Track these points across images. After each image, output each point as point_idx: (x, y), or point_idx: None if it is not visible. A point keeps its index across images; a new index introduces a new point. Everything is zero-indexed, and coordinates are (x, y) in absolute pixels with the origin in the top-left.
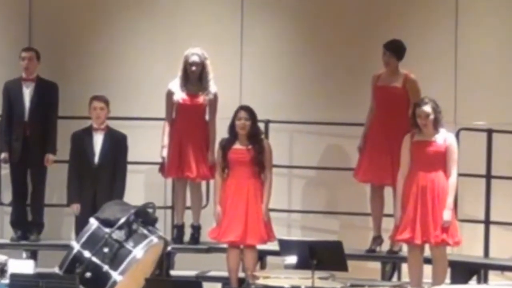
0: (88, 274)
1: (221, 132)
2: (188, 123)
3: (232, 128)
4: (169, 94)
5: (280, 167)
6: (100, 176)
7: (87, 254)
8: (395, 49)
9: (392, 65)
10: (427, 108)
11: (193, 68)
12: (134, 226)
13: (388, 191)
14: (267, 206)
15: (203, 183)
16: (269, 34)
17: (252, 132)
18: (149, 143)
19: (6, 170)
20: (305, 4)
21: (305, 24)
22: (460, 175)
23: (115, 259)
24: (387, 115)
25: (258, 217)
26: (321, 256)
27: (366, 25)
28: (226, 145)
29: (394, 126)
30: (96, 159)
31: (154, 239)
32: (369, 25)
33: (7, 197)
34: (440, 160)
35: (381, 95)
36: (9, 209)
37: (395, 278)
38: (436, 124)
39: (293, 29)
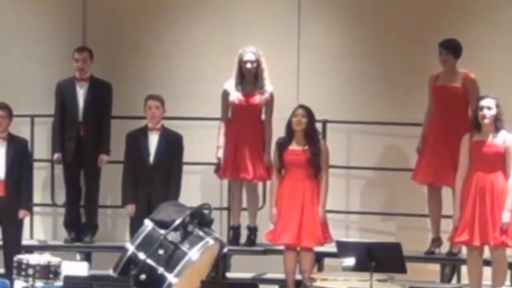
0: (143, 276)
1: (278, 132)
2: (244, 123)
3: (288, 126)
4: (225, 94)
5: (337, 167)
6: (155, 177)
7: (142, 256)
8: (452, 48)
9: (449, 63)
10: (491, 101)
11: (248, 65)
12: (190, 228)
13: (445, 192)
14: (324, 207)
15: (260, 184)
16: (326, 33)
17: (308, 131)
18: (205, 144)
19: (59, 170)
20: (363, 2)
21: (363, 22)
22: None
23: (170, 261)
24: (446, 115)
25: (314, 219)
26: (379, 258)
27: (425, 24)
28: (282, 146)
29: (454, 126)
30: (151, 159)
31: (210, 240)
32: (428, 24)
33: (61, 198)
34: (499, 161)
35: (440, 95)
36: (62, 210)
37: (454, 281)
38: (497, 123)
39: (350, 27)
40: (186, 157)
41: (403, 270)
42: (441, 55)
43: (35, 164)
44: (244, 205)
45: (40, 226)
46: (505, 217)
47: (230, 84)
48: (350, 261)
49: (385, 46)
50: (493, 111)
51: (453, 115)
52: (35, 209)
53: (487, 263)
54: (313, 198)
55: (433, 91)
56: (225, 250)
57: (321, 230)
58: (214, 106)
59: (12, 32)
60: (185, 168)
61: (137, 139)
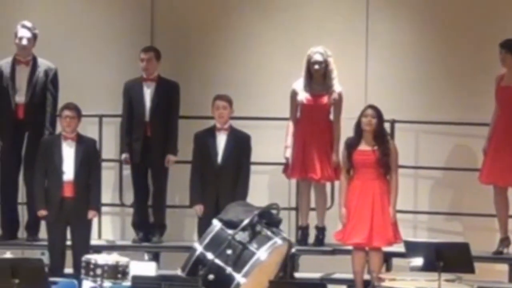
0: (211, 276)
1: (346, 132)
2: (312, 123)
3: (358, 126)
4: (293, 94)
5: (406, 167)
6: (223, 176)
7: (210, 256)
8: (509, 47)
9: (506, 62)
10: None
11: (316, 66)
12: (258, 228)
13: None
14: (394, 207)
15: (328, 184)
16: (394, 32)
17: (378, 131)
18: (273, 143)
19: (127, 171)
20: (431, 1)
21: (431, 22)
22: None
23: (239, 261)
24: (509, 116)
25: (384, 219)
26: (447, 258)
27: (494, 24)
28: (351, 146)
29: None
30: (219, 159)
31: (278, 240)
32: (497, 24)
33: (129, 198)
34: None
35: (504, 95)
36: (130, 211)
37: None
38: None
39: (419, 27)
40: (254, 157)
41: (471, 270)
42: (500, 54)
43: (103, 164)
44: (312, 205)
45: (108, 226)
46: None
47: (298, 84)
48: (418, 261)
49: (454, 46)
50: None
51: None
52: (104, 209)
53: None
54: (383, 198)
55: (497, 92)
56: (293, 250)
57: (392, 230)
58: (283, 106)
59: (80, 33)
60: (253, 168)
61: (205, 139)
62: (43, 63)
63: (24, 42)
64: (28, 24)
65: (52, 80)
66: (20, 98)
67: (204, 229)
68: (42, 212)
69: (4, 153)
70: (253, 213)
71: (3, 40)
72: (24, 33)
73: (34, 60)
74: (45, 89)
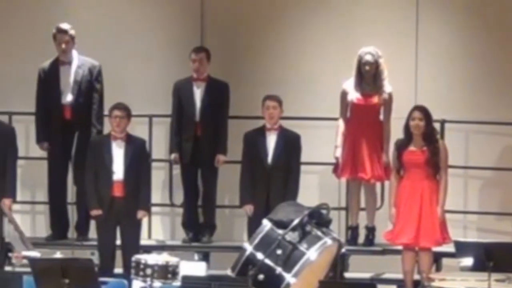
0: (261, 277)
1: (396, 132)
2: (363, 123)
3: (406, 128)
4: (344, 94)
5: (455, 167)
6: (273, 176)
7: (260, 256)
8: None
9: None
10: None
11: (367, 67)
12: (308, 228)
13: None
14: (443, 207)
15: (378, 184)
16: (444, 32)
17: (427, 132)
18: (323, 143)
19: (177, 170)
20: (481, 0)
21: (481, 21)
22: None
23: (289, 261)
24: None
25: (433, 219)
26: (497, 258)
27: None
28: (401, 147)
29: None
30: (269, 159)
31: (328, 240)
32: None
33: (179, 198)
34: None
35: None
36: (180, 210)
37: None
38: None
39: (468, 26)
40: (304, 157)
41: None
42: None
43: (153, 164)
44: (362, 205)
45: (158, 226)
46: None
47: (349, 84)
48: (468, 261)
49: (504, 45)
50: None
51: None
52: (153, 209)
53: None
54: (431, 198)
55: None
56: (343, 250)
57: (440, 230)
58: (333, 106)
59: (130, 33)
60: (303, 168)
61: (255, 139)
62: (87, 61)
63: (63, 46)
64: (64, 26)
65: (96, 77)
66: (66, 98)
67: (254, 229)
68: (96, 212)
69: (53, 154)
70: (303, 213)
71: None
72: (61, 37)
73: (77, 59)
74: (90, 87)
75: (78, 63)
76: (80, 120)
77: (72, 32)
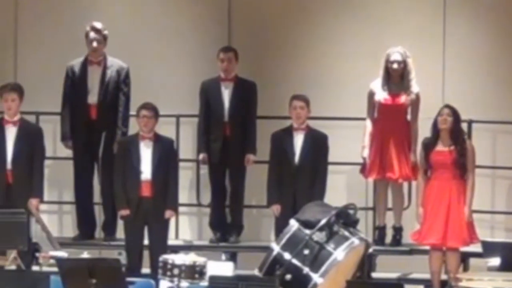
0: (288, 277)
1: (424, 132)
2: (390, 123)
3: (434, 126)
4: (371, 94)
5: (483, 167)
6: (300, 176)
7: (287, 256)
8: None
9: None
10: None
11: (395, 66)
12: (335, 228)
13: None
14: (470, 207)
15: (405, 184)
16: (471, 32)
17: (454, 130)
18: (350, 143)
19: (204, 170)
20: (508, 1)
21: (508, 22)
22: None
23: (316, 261)
24: None
25: (460, 219)
26: None
27: None
28: (428, 146)
29: None
30: (297, 159)
31: (355, 240)
32: None
33: (206, 198)
34: None
35: None
36: (208, 210)
37: None
38: None
39: (496, 27)
40: (331, 157)
41: None
42: None
43: (181, 164)
44: (390, 205)
45: (185, 226)
46: None
47: (376, 84)
48: (495, 261)
49: None
50: None
51: None
52: (181, 209)
53: None
54: (459, 198)
55: None
56: (370, 250)
57: (467, 230)
58: (360, 106)
59: (157, 33)
60: (330, 168)
61: (282, 139)
62: (115, 63)
63: (95, 44)
64: (98, 25)
65: (124, 79)
66: (92, 98)
67: (281, 229)
68: (124, 212)
69: (78, 153)
70: (331, 213)
71: (76, 40)
72: (94, 35)
73: (106, 60)
74: (117, 89)
75: (107, 64)
76: (106, 120)
77: (105, 32)
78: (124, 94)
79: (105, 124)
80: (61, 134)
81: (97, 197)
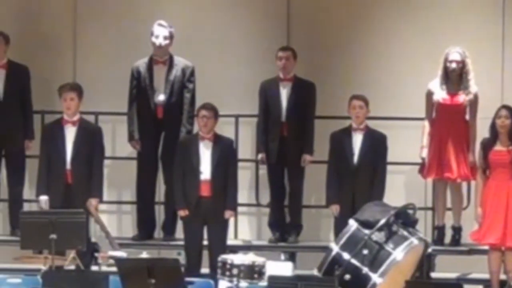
0: (347, 276)
1: (482, 132)
2: (448, 123)
3: (492, 127)
4: (429, 94)
5: None
6: (359, 176)
7: (346, 256)
8: None
9: None
10: None
11: (453, 65)
12: (394, 228)
13: None
14: None
15: (464, 184)
16: None
17: None
18: (409, 143)
19: (263, 170)
20: None
21: None
22: None
23: (375, 261)
24: None
25: None
26: None
27: None
28: (487, 146)
29: None
30: (355, 159)
31: (414, 240)
32: None
33: (265, 198)
34: None
35: None
36: (267, 210)
37: None
38: None
39: None
40: (390, 157)
41: None
42: None
43: (240, 164)
44: (449, 205)
45: (244, 226)
46: None
47: (434, 84)
48: None
49: None
50: None
51: None
52: (240, 209)
53: None
54: None
55: None
56: (429, 250)
57: None
58: (419, 106)
59: (217, 33)
60: (389, 168)
61: (341, 139)
62: (180, 62)
63: (161, 40)
64: (165, 23)
65: (189, 78)
66: (158, 97)
67: (340, 229)
68: (182, 212)
69: (143, 153)
70: (390, 213)
71: (135, 40)
72: (161, 32)
73: (171, 59)
74: (182, 88)
75: (172, 62)
76: (171, 119)
77: (171, 29)
78: (189, 92)
79: (169, 123)
80: (128, 134)
81: (157, 196)
